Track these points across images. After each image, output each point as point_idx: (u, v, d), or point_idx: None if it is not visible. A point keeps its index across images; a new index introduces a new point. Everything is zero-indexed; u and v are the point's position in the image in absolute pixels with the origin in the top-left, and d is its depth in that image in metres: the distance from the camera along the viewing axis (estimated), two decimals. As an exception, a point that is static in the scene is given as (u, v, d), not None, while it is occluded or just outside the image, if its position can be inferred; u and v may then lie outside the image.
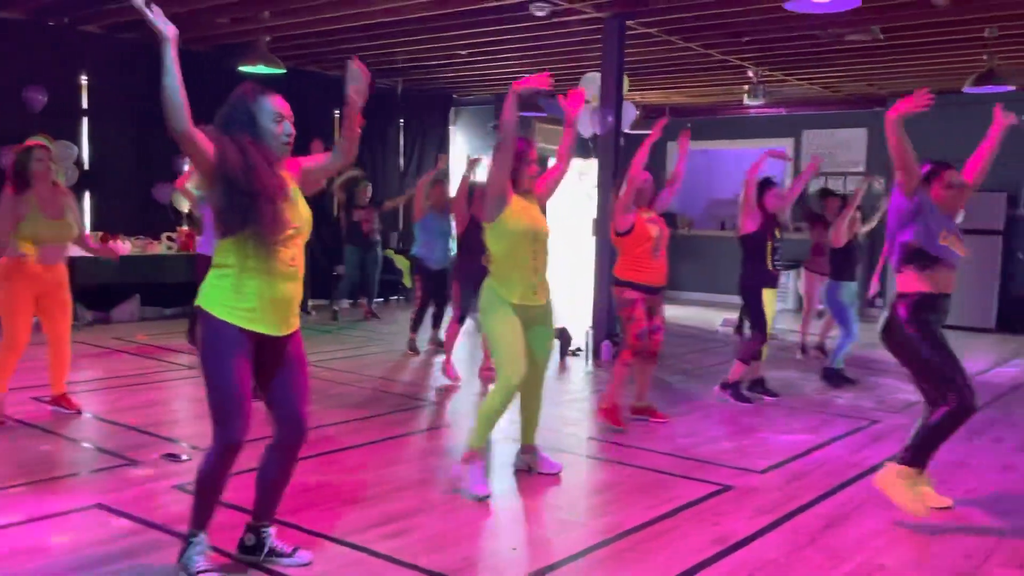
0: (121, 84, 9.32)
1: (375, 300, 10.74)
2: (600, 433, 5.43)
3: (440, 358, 7.38)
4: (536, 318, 4.28)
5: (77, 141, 9.16)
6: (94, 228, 9.06)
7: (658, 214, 5.66)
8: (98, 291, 8.95)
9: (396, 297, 12.26)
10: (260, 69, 8.22)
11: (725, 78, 10.72)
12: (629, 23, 7.93)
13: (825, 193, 8.28)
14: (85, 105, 9.28)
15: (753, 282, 6.35)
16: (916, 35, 8.20)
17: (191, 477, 3.21)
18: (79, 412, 5.40)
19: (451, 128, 13.28)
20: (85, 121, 9.33)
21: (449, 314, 7.48)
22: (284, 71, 8.44)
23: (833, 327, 8.00)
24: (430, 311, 8.06)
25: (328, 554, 3.34)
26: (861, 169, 12.29)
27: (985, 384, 7.40)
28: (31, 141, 5.30)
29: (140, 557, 3.30)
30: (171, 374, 6.85)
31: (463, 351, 7.93)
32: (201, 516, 3.09)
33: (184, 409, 5.85)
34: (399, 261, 11.79)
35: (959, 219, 4.19)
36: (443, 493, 4.14)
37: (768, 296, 6.36)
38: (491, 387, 4.34)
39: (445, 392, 6.61)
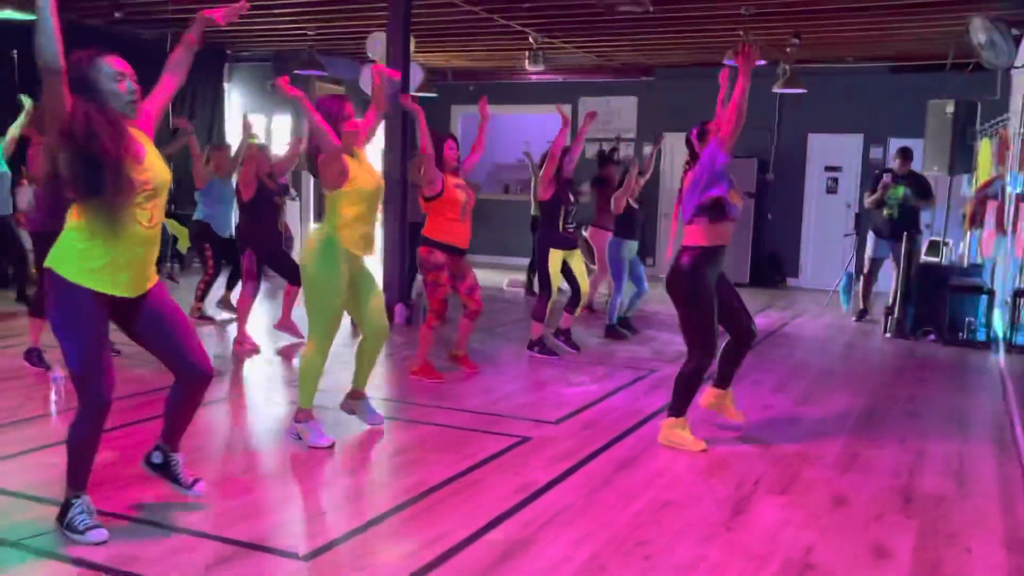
0: None
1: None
2: (398, 395, 5.49)
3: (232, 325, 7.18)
4: (362, 268, 4.41)
5: None
6: None
7: (464, 179, 5.83)
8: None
9: (168, 264, 11.59)
10: (9, 15, 7.43)
11: (506, 43, 10.92)
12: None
13: (605, 159, 8.70)
14: None
15: (544, 244, 6.64)
16: (682, 9, 8.74)
17: None
18: None
19: (225, 85, 12.65)
20: None
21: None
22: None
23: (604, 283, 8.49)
24: (220, 278, 7.81)
25: (133, 530, 3.18)
26: (632, 135, 12.99)
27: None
28: None
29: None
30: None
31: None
32: (79, 478, 3.10)
33: None
34: (172, 226, 11.16)
35: None
36: (242, 465, 4.04)
37: (557, 256, 6.65)
38: (303, 350, 4.37)
39: (244, 359, 6.40)
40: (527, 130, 13.62)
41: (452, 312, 6.19)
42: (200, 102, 12.01)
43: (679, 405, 4.49)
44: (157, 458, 3.42)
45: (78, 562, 2.94)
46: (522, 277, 11.07)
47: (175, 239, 11.09)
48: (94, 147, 2.87)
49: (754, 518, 3.56)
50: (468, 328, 6.08)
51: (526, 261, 12.01)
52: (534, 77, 13.51)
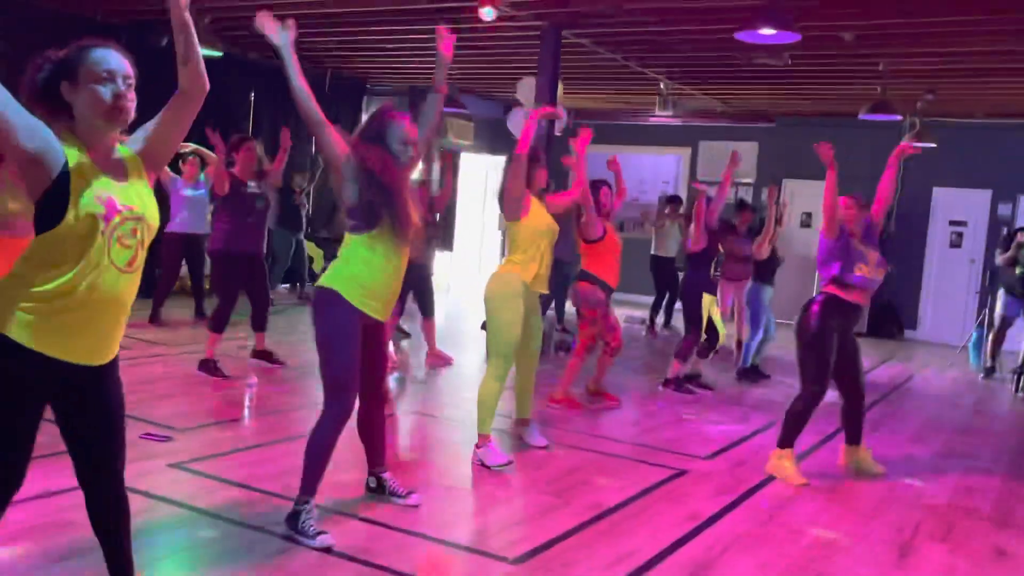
0: None
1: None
2: (550, 421, 5.81)
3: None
4: (534, 306, 4.80)
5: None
6: None
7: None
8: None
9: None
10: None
11: (638, 87, 11.29)
12: (564, 32, 8.33)
13: (741, 205, 8.92)
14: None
15: (695, 289, 6.96)
16: (819, 62, 8.96)
17: (185, 456, 3.81)
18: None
19: (363, 115, 13.35)
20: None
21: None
22: (221, 54, 8.38)
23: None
24: None
25: (348, 529, 3.57)
26: (751, 180, 13.17)
27: (872, 384, 8.24)
28: None
29: (171, 532, 3.43)
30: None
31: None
32: (312, 484, 3.44)
33: (140, 390, 5.83)
34: (311, 248, 11.82)
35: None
36: (439, 474, 4.42)
37: (707, 301, 6.94)
38: (483, 378, 4.69)
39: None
40: (643, 170, 13.95)
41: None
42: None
43: (787, 437, 4.80)
44: (372, 483, 3.91)
45: (321, 549, 3.33)
46: (639, 314, 11.30)
47: (311, 259, 11.75)
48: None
49: (921, 561, 3.74)
50: (608, 363, 6.36)
51: (641, 298, 12.29)
52: (652, 120, 13.82)
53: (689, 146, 13.80)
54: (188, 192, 8.06)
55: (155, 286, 8.10)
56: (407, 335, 8.21)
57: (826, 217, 4.81)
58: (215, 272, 6.42)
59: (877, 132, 11.43)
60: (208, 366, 6.13)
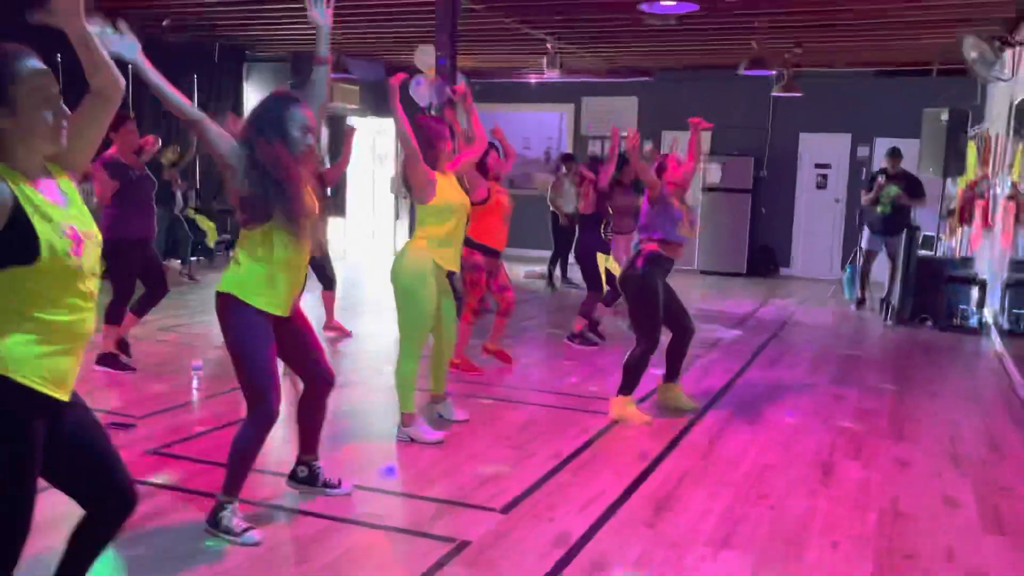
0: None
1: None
2: (489, 382, 6.14)
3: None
4: (445, 284, 4.81)
5: None
6: None
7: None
8: None
9: (197, 258, 12.02)
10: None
11: (524, 48, 11.56)
12: (461, -1, 8.50)
13: (623, 160, 9.39)
14: None
15: (589, 249, 7.39)
16: (701, 22, 9.46)
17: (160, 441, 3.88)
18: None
19: (245, 84, 13.09)
20: None
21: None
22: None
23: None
24: None
25: (357, 494, 3.82)
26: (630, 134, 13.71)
27: (760, 321, 8.99)
28: None
29: (162, 519, 3.59)
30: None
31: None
32: (237, 484, 3.39)
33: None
34: (202, 221, 11.63)
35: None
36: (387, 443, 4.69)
37: (601, 259, 7.36)
38: (397, 360, 4.68)
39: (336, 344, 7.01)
40: (526, 128, 14.30)
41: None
42: (222, 101, 12.45)
43: (629, 384, 5.18)
44: (302, 472, 3.78)
45: (325, 516, 3.58)
46: (539, 268, 11.71)
47: (205, 233, 11.57)
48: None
49: (842, 478, 4.32)
50: (502, 324, 6.51)
51: (536, 252, 12.73)
52: (533, 78, 14.12)
53: (572, 103, 14.23)
54: None
55: None
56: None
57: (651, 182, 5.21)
58: (111, 262, 6.10)
59: (749, 83, 12.16)
60: (107, 360, 5.87)
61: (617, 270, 7.54)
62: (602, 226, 7.43)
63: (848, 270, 10.30)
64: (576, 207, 10.92)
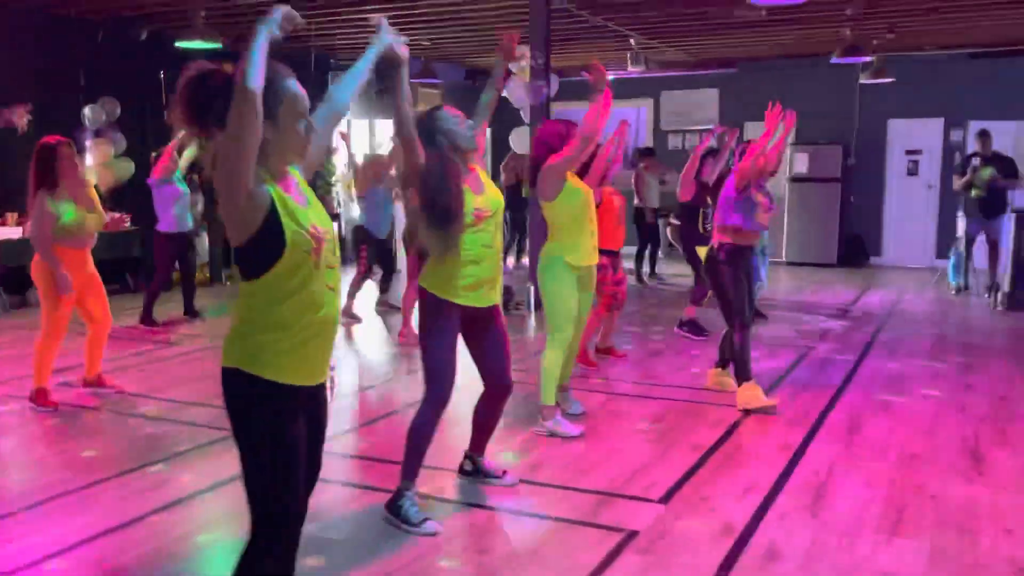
0: None
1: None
2: (605, 376, 6.18)
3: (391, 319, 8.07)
4: (586, 279, 4.83)
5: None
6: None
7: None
8: (10, 274, 8.58)
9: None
10: (197, 44, 8.14)
11: (607, 45, 11.58)
12: (552, -2, 8.56)
13: (711, 152, 9.32)
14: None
15: (690, 242, 7.44)
16: (791, 10, 9.35)
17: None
18: (122, 392, 5.51)
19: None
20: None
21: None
22: (221, 45, 8.39)
23: None
24: (374, 278, 8.52)
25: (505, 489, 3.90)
26: (713, 127, 13.59)
27: (865, 311, 8.85)
28: (50, 137, 5.20)
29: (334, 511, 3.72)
30: (171, 350, 6.93)
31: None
32: (414, 469, 3.54)
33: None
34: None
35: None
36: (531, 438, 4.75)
37: (702, 252, 7.35)
38: (545, 352, 4.75)
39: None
40: (606, 124, 14.25)
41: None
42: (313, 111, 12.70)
43: (743, 371, 5.21)
44: (468, 467, 3.98)
45: (493, 508, 3.66)
46: (627, 265, 11.68)
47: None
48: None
49: (994, 466, 4.25)
50: (613, 319, 6.56)
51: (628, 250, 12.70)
52: (611, 74, 14.08)
53: (652, 97, 14.18)
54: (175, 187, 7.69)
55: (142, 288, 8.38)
56: (359, 320, 8.23)
57: (746, 169, 5.20)
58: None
59: (835, 70, 11.99)
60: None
61: None
62: (700, 218, 7.44)
63: (953, 256, 10.08)
64: (661, 194, 10.99)
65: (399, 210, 8.76)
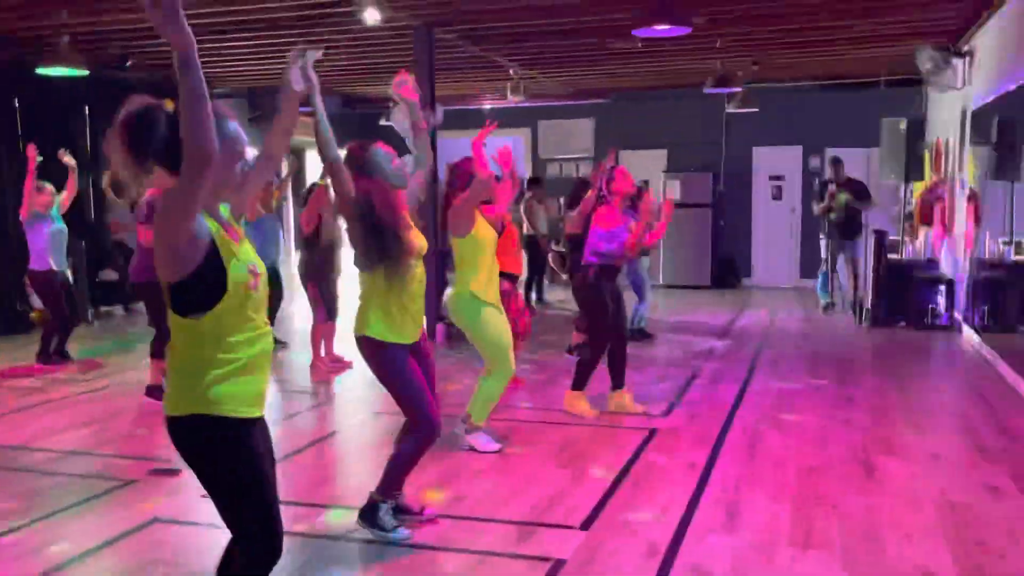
0: None
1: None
2: (501, 408, 6.19)
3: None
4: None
5: None
6: None
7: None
8: None
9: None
10: (59, 71, 7.73)
11: (487, 75, 11.70)
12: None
13: (584, 184, 9.52)
14: None
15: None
16: (662, 42, 9.73)
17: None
18: (-5, 446, 5.12)
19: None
20: None
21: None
22: (87, 72, 7.99)
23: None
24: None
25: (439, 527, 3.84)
26: (589, 155, 13.96)
27: (743, 330, 9.24)
28: None
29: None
30: (61, 391, 6.48)
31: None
32: (395, 485, 3.71)
33: (116, 426, 5.62)
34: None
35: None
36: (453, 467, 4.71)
37: None
38: (483, 376, 4.94)
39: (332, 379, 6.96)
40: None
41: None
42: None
43: (581, 381, 5.71)
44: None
45: (416, 546, 3.59)
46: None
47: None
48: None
49: (886, 475, 4.50)
50: (517, 347, 6.65)
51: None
52: (487, 104, 14.28)
53: (529, 126, 14.42)
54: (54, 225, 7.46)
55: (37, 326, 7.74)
56: (284, 344, 8.25)
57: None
58: (151, 302, 6.14)
59: (703, 101, 12.53)
60: (155, 392, 6.04)
61: None
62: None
63: (821, 277, 10.66)
64: (548, 223, 11.17)
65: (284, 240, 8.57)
